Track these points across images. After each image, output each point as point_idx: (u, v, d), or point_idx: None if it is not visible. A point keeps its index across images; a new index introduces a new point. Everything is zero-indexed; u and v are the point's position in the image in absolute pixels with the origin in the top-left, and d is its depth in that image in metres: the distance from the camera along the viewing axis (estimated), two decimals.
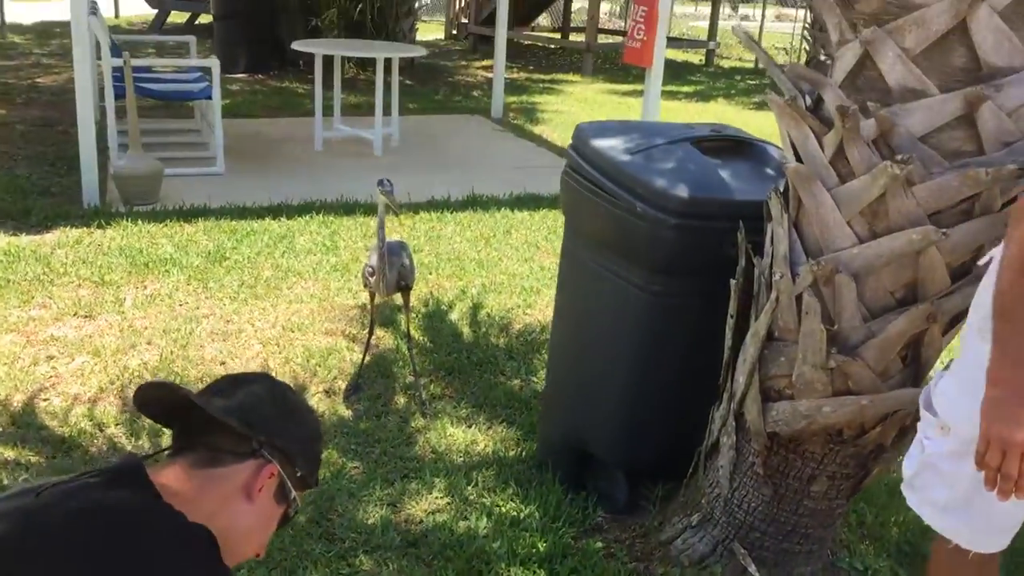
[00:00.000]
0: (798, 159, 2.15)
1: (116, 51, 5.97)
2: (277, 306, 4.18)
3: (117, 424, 3.14)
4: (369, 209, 5.57)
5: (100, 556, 1.17)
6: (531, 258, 4.98)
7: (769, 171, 2.63)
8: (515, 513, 2.74)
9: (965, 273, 2.05)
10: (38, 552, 1.16)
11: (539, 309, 4.31)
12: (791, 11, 19.67)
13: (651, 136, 2.61)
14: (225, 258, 4.70)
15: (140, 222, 5.08)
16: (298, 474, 1.44)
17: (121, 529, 1.20)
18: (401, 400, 3.43)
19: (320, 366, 3.63)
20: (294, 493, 1.43)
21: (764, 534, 2.44)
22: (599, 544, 2.63)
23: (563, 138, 8.16)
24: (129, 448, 3.00)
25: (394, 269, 3.33)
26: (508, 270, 4.78)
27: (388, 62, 7.14)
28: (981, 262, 1.91)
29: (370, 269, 3.35)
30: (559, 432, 2.93)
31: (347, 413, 3.31)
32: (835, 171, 2.07)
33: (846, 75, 2.04)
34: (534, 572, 2.50)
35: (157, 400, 1.42)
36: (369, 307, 3.64)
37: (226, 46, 10.90)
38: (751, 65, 14.57)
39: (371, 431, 3.20)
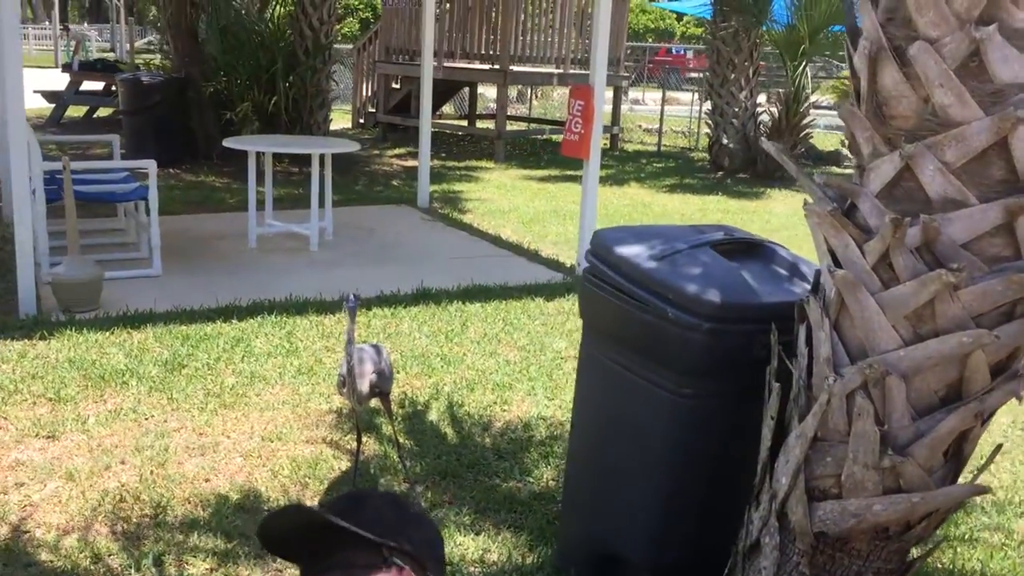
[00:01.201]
0: (835, 264, 2.24)
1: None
2: (249, 415, 4.05)
3: (111, 554, 2.96)
4: (320, 308, 5.49)
5: None
6: (495, 352, 4.97)
7: (782, 271, 2.72)
8: None
9: (1002, 371, 2.15)
10: None
11: (516, 405, 4.30)
12: (677, 94, 20.50)
13: (671, 241, 2.67)
14: (183, 366, 4.54)
15: (85, 331, 4.87)
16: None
17: None
18: None
19: (310, 477, 3.52)
20: None
21: None
22: None
23: (493, 226, 8.26)
24: None
25: (365, 378, 3.25)
26: (475, 366, 4.75)
27: (309, 156, 7.11)
28: None
29: (341, 379, 3.29)
30: (581, 536, 2.90)
31: None
32: (877, 277, 2.16)
33: (884, 185, 2.15)
34: None
35: (292, 527, 1.36)
36: (353, 413, 3.57)
37: (136, 140, 10.69)
38: (652, 148, 15.08)
39: None
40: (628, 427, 2.71)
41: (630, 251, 2.65)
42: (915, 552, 2.47)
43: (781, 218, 9.38)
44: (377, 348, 3.41)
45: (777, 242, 2.88)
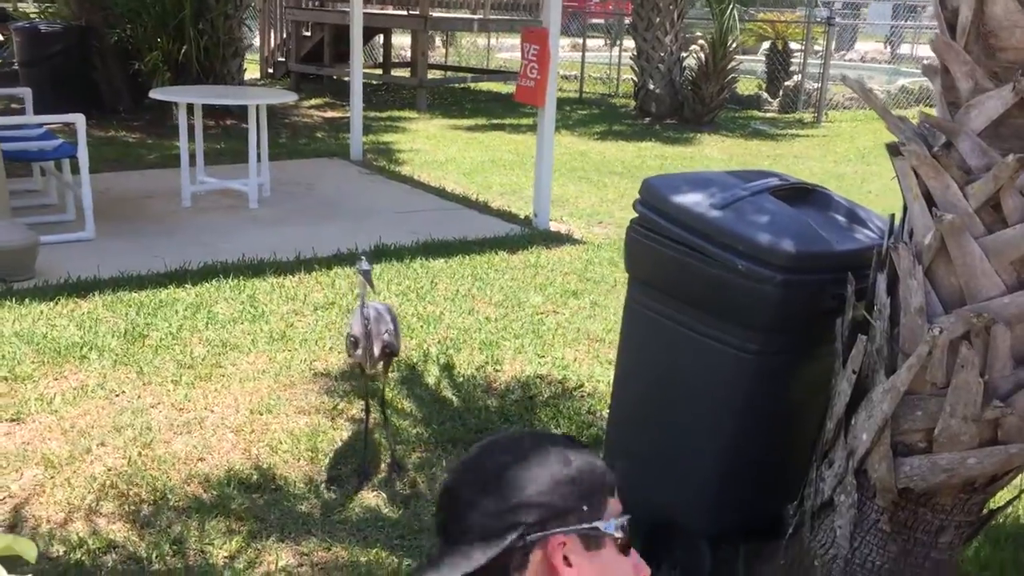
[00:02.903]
0: (930, 207, 2.12)
1: None
2: (229, 387, 3.76)
3: (124, 544, 2.68)
4: (278, 268, 5.18)
5: None
6: (472, 309, 4.77)
7: (841, 218, 2.60)
8: None
9: None
10: None
11: (508, 364, 4.12)
12: (579, 39, 20.31)
13: (729, 188, 2.51)
14: (144, 336, 4.20)
15: (27, 302, 4.46)
16: (581, 515, 1.18)
17: None
18: (420, 479, 3.15)
19: (312, 451, 3.28)
20: (603, 526, 1.18)
21: None
22: None
23: (434, 178, 7.99)
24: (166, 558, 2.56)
25: (379, 338, 3.06)
26: (455, 324, 4.55)
27: (228, 109, 6.70)
28: None
29: (353, 339, 3.07)
30: (630, 503, 2.75)
31: (372, 504, 2.99)
32: (981, 220, 2.05)
33: (989, 123, 2.02)
34: None
35: None
36: (358, 379, 3.35)
37: (34, 94, 9.94)
38: (573, 95, 14.91)
39: (406, 521, 2.91)
40: (685, 386, 2.56)
41: (688, 200, 2.48)
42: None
43: (719, 163, 9.36)
44: (387, 307, 3.19)
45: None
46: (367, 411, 3.29)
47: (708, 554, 2.65)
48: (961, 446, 2.16)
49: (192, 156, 6.95)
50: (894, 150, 2.20)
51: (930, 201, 2.13)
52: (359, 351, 3.05)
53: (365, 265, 2.99)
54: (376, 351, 3.05)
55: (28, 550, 0.93)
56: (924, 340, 2.11)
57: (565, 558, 1.15)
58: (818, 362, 2.49)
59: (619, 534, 1.19)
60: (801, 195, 2.64)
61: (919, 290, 2.15)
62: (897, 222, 2.36)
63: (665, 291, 2.57)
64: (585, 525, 1.16)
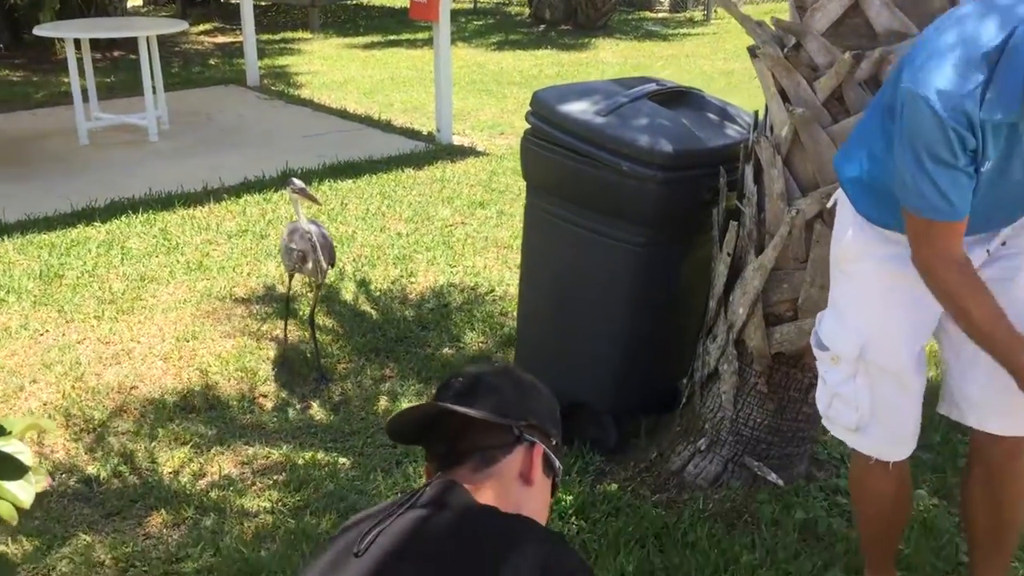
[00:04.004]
0: (785, 103, 2.37)
1: None
2: (152, 318, 3.89)
3: (73, 468, 2.84)
4: (187, 200, 5.24)
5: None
6: (383, 227, 4.93)
7: (714, 116, 2.84)
8: None
9: None
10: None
11: (422, 276, 4.33)
12: None
13: (610, 96, 2.73)
14: (60, 276, 4.27)
15: None
16: (554, 443, 1.46)
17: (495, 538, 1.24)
18: (348, 387, 3.36)
19: (242, 371, 3.46)
20: (557, 462, 1.46)
21: (770, 444, 2.71)
22: (614, 486, 2.79)
23: (334, 100, 8.02)
24: (126, 478, 2.74)
25: (325, 249, 3.26)
26: (368, 242, 4.72)
27: (114, 41, 6.61)
28: (829, 204, 2.19)
29: (300, 254, 3.24)
30: None
31: (305, 414, 3.20)
32: (828, 112, 2.31)
33: (830, 24, 2.27)
34: (575, 525, 2.61)
35: (421, 421, 1.40)
36: (283, 297, 3.55)
37: None
38: (468, 6, 14.83)
39: (338, 425, 3.13)
40: (583, 280, 2.81)
41: (574, 108, 2.69)
42: None
43: (614, 68, 9.55)
44: (315, 223, 3.35)
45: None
46: (286, 321, 3.47)
47: (614, 428, 2.95)
48: (821, 311, 2.46)
49: (84, 92, 6.84)
50: (752, 53, 2.43)
51: (785, 97, 2.38)
52: (309, 265, 3.22)
53: (299, 183, 3.17)
54: (325, 263, 3.23)
55: (50, 427, 1.11)
56: (785, 221, 2.39)
57: (535, 471, 1.40)
58: (699, 249, 2.77)
59: (560, 471, 1.47)
60: (677, 98, 2.87)
61: (780, 178, 2.42)
62: (761, 118, 2.62)
63: (559, 195, 2.79)
64: (554, 453, 1.44)
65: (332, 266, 3.34)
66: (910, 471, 2.18)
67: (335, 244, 3.31)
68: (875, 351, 1.99)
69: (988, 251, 1.93)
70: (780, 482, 2.70)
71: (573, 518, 2.64)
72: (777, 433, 2.70)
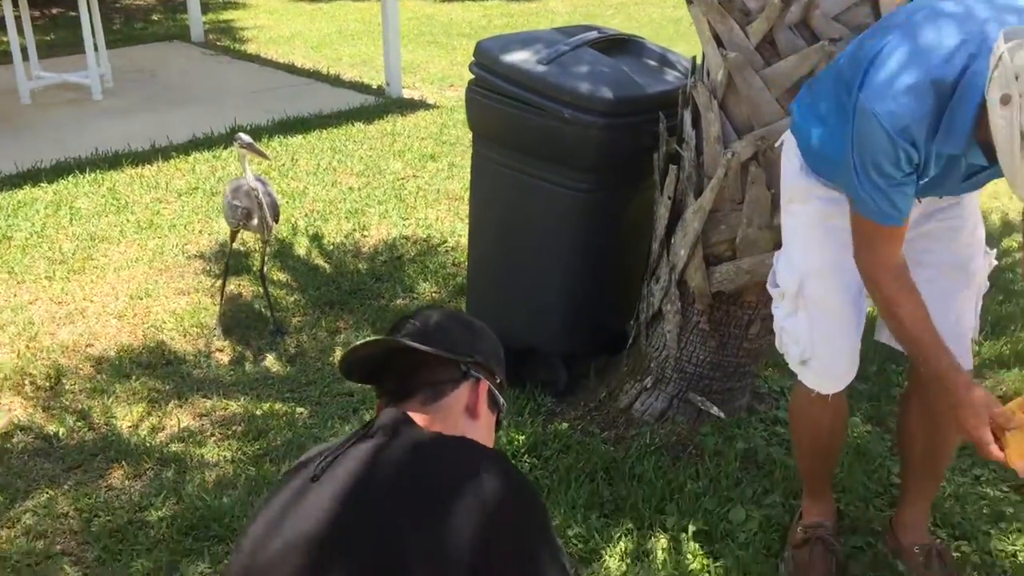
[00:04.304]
0: (720, 48, 2.44)
1: None
2: (105, 277, 3.90)
3: (30, 426, 2.88)
4: (135, 159, 5.20)
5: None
6: (335, 182, 4.95)
7: (653, 63, 2.91)
8: None
9: None
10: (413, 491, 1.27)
11: (374, 229, 4.37)
12: None
13: (552, 45, 2.77)
14: (8, 238, 4.25)
15: None
16: (498, 380, 1.56)
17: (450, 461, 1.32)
18: (303, 339, 3.42)
19: (197, 327, 3.50)
20: (502, 399, 1.55)
21: (713, 380, 2.82)
22: (565, 425, 2.89)
23: (281, 55, 7.94)
24: (79, 427, 2.78)
25: (271, 207, 3.29)
26: (320, 197, 4.74)
27: None
28: (776, 144, 2.27)
29: (244, 210, 3.27)
30: (496, 334, 3.10)
31: (261, 366, 3.26)
32: (760, 56, 2.39)
33: None
34: (527, 463, 2.71)
35: (368, 358, 1.47)
36: (229, 246, 3.59)
37: None
38: None
39: (294, 376, 3.19)
40: (532, 228, 2.88)
41: (517, 58, 2.74)
42: None
43: (564, 17, 9.55)
44: (260, 178, 3.37)
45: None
46: (225, 275, 3.52)
47: (564, 370, 3.04)
48: (758, 250, 2.56)
49: (24, 51, 6.70)
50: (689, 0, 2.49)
51: (720, 43, 2.45)
52: (255, 221, 3.25)
53: (246, 138, 3.20)
54: (271, 219, 3.27)
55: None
56: (721, 164, 2.47)
57: (480, 405, 1.49)
58: (641, 194, 2.85)
59: (504, 407, 1.57)
60: (618, 45, 2.93)
61: (716, 121, 2.50)
62: (699, 64, 2.68)
63: (504, 143, 2.85)
64: (498, 390, 1.54)
65: (276, 222, 3.37)
66: (846, 401, 2.30)
67: (286, 200, 3.35)
68: (812, 287, 2.09)
69: (919, 199, 2.00)
70: (722, 415, 2.81)
71: (526, 456, 2.73)
72: (719, 369, 2.81)
